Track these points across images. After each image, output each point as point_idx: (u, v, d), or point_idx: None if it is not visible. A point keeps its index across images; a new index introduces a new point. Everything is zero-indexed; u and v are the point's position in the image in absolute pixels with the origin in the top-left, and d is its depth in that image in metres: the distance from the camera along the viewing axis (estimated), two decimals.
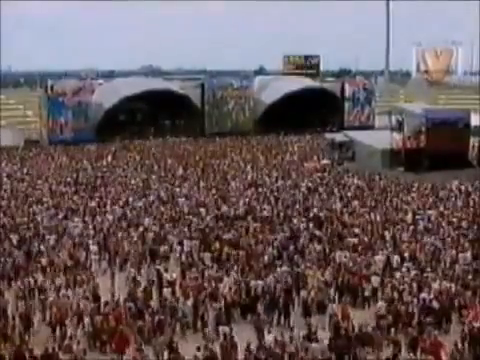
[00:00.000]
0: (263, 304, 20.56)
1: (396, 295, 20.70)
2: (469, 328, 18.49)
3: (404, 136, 46.16)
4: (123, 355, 17.85)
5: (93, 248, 25.94)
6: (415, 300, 20.25)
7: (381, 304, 20.45)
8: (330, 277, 22.52)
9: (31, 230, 28.47)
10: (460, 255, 24.39)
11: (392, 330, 18.63)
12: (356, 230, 27.92)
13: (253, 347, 17.33)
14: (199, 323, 19.73)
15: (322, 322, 19.55)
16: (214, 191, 36.87)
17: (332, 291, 21.86)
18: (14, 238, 27.06)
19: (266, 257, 24.63)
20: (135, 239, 27.17)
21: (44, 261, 24.55)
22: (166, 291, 21.21)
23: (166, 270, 23.35)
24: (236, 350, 17.38)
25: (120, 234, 27.76)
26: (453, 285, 21.41)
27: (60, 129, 63.00)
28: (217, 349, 17.37)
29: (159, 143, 59.80)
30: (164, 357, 17.56)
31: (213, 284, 21.63)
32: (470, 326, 18.58)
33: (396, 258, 24.18)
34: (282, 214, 31.06)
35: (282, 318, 20.25)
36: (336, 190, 37.07)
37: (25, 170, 45.29)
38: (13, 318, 19.60)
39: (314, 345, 17.44)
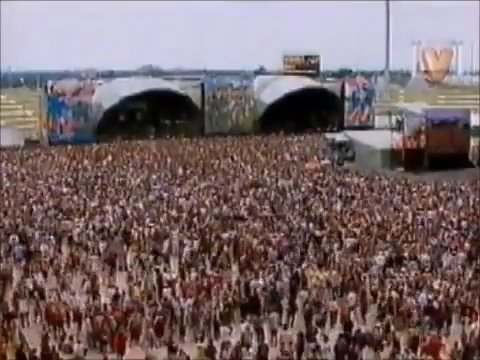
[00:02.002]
0: (263, 304, 20.56)
1: (396, 295, 20.71)
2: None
3: (404, 136, 46.21)
4: (123, 355, 17.88)
5: (103, 245, 26.08)
6: (415, 300, 20.26)
7: (352, 295, 20.60)
8: (330, 277, 22.51)
9: (31, 230, 28.48)
10: (460, 255, 24.41)
11: (392, 329, 18.68)
12: (356, 230, 27.93)
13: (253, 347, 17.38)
14: (199, 323, 19.70)
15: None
16: (214, 191, 36.88)
17: (332, 291, 21.85)
18: (14, 238, 27.07)
19: (266, 257, 24.63)
20: (135, 239, 27.21)
21: (44, 261, 24.56)
22: (166, 291, 21.21)
23: (166, 270, 23.39)
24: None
25: (120, 234, 27.82)
26: (453, 285, 21.43)
27: (60, 129, 62.98)
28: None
29: (159, 143, 59.77)
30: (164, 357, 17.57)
31: (213, 284, 21.64)
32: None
33: (396, 258, 24.26)
34: (282, 214, 31.05)
35: (282, 318, 20.25)
36: (336, 190, 37.09)
37: (25, 170, 45.27)
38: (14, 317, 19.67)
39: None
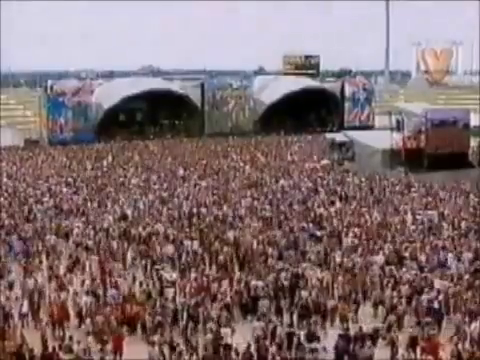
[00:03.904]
0: (263, 304, 20.55)
1: (396, 295, 20.71)
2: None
3: (404, 136, 46.16)
4: (119, 355, 17.87)
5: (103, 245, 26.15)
6: (415, 300, 20.26)
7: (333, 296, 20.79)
8: (330, 277, 22.51)
9: (31, 230, 28.49)
10: (460, 255, 24.39)
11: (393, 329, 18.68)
12: (356, 230, 27.93)
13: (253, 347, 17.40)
14: (199, 323, 19.69)
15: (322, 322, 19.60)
16: (214, 191, 36.88)
17: (332, 291, 21.84)
18: (14, 238, 27.10)
19: (266, 257, 24.63)
20: (135, 239, 27.20)
21: (44, 261, 24.58)
22: (167, 291, 21.19)
23: (164, 269, 23.39)
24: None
25: (120, 234, 27.83)
26: (453, 285, 21.43)
27: (60, 129, 62.99)
28: None
29: (159, 143, 59.79)
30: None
31: (213, 284, 21.65)
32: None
33: (396, 258, 24.28)
34: (282, 214, 31.05)
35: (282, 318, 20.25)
36: (336, 190, 37.08)
37: (25, 170, 45.27)
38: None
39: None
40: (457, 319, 19.38)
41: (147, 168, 45.64)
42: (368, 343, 17.34)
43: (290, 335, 18.00)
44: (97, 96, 65.32)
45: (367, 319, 19.78)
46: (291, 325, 19.51)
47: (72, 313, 20.07)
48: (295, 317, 20.02)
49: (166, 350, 17.62)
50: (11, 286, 22.26)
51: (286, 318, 20.03)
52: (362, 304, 21.21)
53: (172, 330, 18.95)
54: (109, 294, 21.13)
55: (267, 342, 17.73)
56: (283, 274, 22.37)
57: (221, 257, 24.97)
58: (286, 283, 21.68)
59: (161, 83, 72.71)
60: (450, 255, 24.39)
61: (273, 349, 17.36)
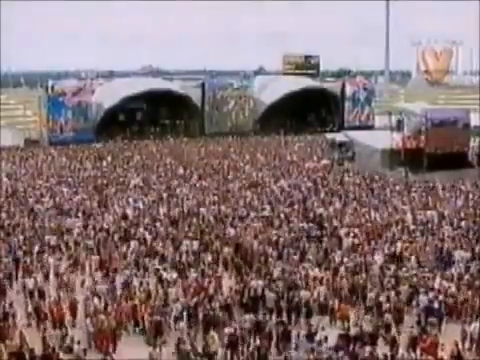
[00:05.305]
0: (270, 297, 20.56)
1: (395, 294, 20.71)
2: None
3: (404, 136, 46.15)
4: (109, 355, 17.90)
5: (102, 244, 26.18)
6: (415, 300, 20.26)
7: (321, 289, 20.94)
8: (330, 277, 22.51)
9: (31, 230, 28.49)
10: (460, 255, 24.41)
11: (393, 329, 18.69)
12: (356, 230, 27.93)
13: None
14: (199, 323, 19.69)
15: (322, 322, 19.58)
16: (214, 191, 36.89)
17: (332, 291, 21.83)
18: (14, 238, 27.07)
19: (266, 257, 24.64)
20: (135, 239, 27.20)
21: (44, 261, 24.56)
22: (169, 291, 21.18)
23: (165, 270, 23.39)
24: None
25: (119, 234, 27.82)
26: (453, 285, 21.43)
27: (60, 129, 62.94)
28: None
29: (159, 143, 59.81)
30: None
31: (213, 284, 21.64)
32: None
33: (395, 258, 24.29)
34: (282, 214, 31.06)
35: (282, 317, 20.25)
36: (336, 190, 37.09)
37: (25, 170, 45.27)
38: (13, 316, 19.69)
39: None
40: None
41: (147, 168, 45.66)
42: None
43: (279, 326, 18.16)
44: (97, 96, 65.30)
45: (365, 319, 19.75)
46: (289, 323, 19.56)
47: (69, 312, 20.06)
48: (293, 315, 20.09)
49: (167, 351, 17.65)
50: (10, 285, 22.30)
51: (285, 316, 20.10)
52: (362, 304, 21.21)
53: (175, 330, 19.00)
54: (108, 293, 21.17)
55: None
56: (283, 273, 22.42)
57: (221, 257, 25.01)
58: (285, 283, 21.70)
59: (161, 83, 72.71)
60: (450, 255, 24.41)
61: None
